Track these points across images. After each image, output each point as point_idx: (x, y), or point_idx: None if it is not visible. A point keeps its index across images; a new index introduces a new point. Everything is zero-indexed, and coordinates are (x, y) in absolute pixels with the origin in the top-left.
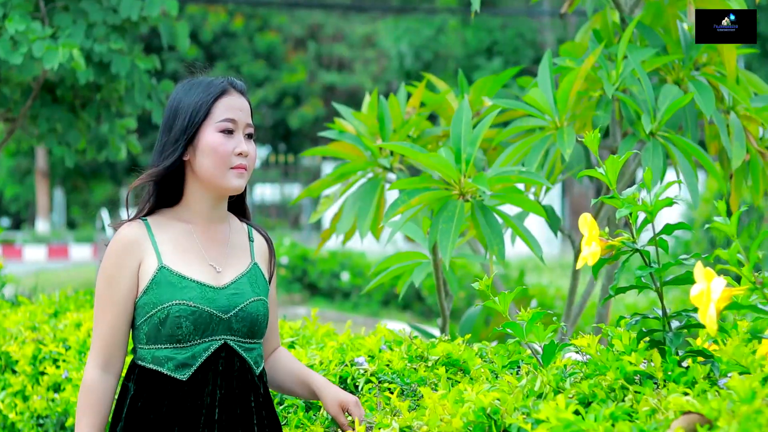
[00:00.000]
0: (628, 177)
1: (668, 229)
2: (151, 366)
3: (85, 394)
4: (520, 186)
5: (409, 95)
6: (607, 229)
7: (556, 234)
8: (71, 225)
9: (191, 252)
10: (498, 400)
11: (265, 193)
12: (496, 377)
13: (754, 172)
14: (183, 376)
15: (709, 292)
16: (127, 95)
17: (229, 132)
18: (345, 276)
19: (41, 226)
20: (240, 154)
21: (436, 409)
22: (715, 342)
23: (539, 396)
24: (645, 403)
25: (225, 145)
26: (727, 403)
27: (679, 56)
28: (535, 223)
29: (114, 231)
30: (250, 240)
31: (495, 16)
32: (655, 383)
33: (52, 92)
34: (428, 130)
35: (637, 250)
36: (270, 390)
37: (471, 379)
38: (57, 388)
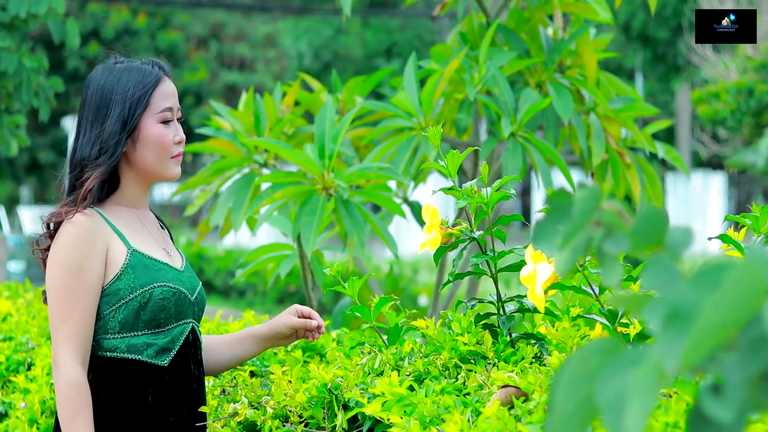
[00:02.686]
0: (494, 174)
1: (504, 220)
2: (125, 355)
3: (76, 393)
4: (392, 184)
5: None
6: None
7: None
8: None
9: (145, 235)
10: (341, 377)
11: (164, 192)
12: (351, 360)
13: (614, 171)
14: (163, 362)
15: (536, 273)
16: (15, 93)
17: (167, 121)
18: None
19: None
20: (179, 142)
21: (281, 385)
22: (552, 325)
23: (379, 374)
24: (474, 380)
25: (167, 136)
26: (543, 377)
27: (540, 60)
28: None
29: (47, 223)
30: (163, 227)
31: (394, 17)
32: (490, 363)
33: None
34: (303, 128)
35: (474, 239)
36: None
37: (327, 362)
38: None
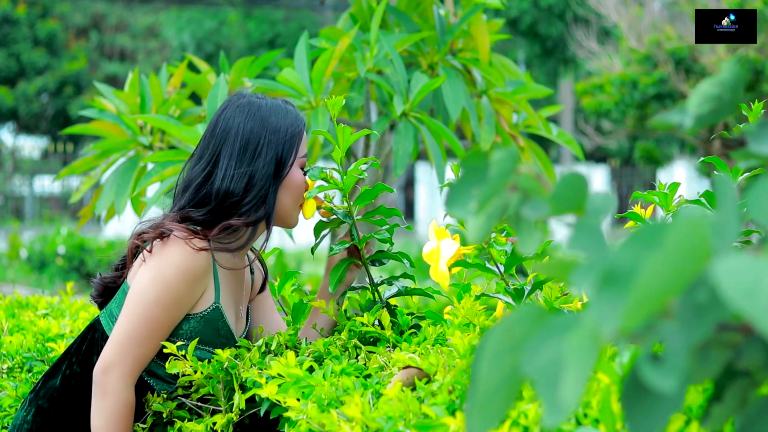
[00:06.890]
0: (384, 158)
1: (383, 211)
2: (143, 374)
3: (129, 415)
4: None
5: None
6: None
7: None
8: None
9: (231, 294)
10: (238, 355)
11: (44, 184)
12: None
13: None
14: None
15: (439, 250)
16: None
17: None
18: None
19: None
20: (307, 190)
21: (176, 364)
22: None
23: (277, 354)
24: (375, 361)
25: (305, 183)
26: (446, 357)
27: (433, 38)
28: None
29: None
30: (251, 272)
31: (277, 9)
32: (393, 345)
33: None
34: (190, 110)
35: (342, 222)
36: None
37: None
38: None
